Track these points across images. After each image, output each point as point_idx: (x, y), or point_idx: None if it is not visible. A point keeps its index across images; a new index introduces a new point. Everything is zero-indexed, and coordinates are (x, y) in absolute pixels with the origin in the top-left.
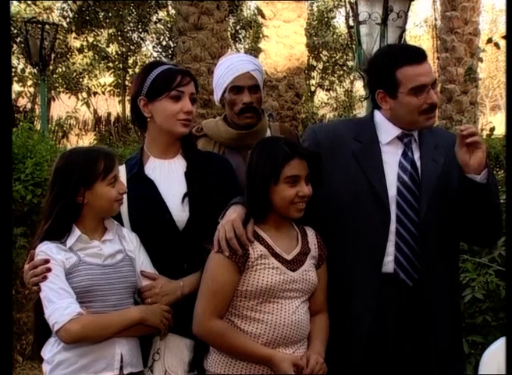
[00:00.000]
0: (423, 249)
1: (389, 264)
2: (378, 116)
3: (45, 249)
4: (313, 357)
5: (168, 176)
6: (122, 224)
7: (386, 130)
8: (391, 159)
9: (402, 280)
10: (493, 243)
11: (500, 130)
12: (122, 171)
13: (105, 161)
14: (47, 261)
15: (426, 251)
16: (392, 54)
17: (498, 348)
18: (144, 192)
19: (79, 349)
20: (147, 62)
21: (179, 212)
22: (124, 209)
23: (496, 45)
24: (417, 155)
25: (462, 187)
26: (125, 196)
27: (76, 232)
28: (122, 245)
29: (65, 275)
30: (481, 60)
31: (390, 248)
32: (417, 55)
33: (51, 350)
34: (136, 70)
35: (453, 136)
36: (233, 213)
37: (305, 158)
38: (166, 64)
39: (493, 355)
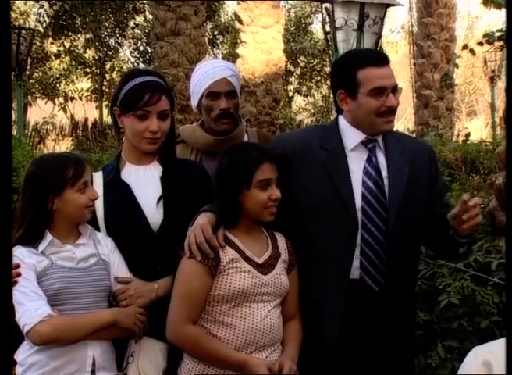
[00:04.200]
0: (389, 256)
1: (355, 270)
2: (342, 121)
3: (17, 253)
4: (287, 364)
5: (144, 181)
6: (98, 228)
7: (351, 136)
8: (356, 166)
9: (368, 285)
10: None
11: (476, 135)
12: (99, 177)
13: (74, 167)
14: (17, 265)
15: (393, 257)
16: (355, 55)
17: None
18: (120, 196)
19: (51, 351)
20: (124, 67)
21: (154, 215)
22: (100, 214)
23: (472, 51)
24: (382, 162)
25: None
26: (101, 201)
27: (48, 237)
28: (97, 249)
29: (37, 278)
30: (457, 66)
31: (356, 254)
32: (379, 59)
33: (23, 352)
34: (114, 76)
35: (415, 140)
36: (202, 219)
37: (274, 162)
38: (144, 75)
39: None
